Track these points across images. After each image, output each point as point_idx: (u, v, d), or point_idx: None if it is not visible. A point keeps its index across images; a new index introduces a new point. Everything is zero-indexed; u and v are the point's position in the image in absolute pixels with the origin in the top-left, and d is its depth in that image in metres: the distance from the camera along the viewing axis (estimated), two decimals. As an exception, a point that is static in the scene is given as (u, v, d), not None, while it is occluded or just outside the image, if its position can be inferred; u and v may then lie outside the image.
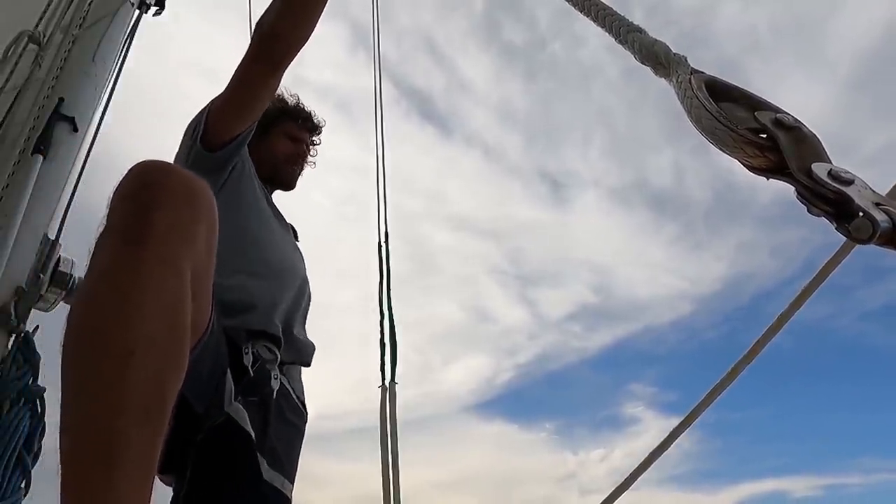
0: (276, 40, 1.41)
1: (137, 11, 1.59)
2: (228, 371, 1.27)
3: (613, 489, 1.49)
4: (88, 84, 1.37)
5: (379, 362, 1.92)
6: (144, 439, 0.70)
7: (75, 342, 0.74)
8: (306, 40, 1.44)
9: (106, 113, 1.41)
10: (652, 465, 1.47)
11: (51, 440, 1.03)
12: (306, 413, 1.56)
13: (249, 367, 1.34)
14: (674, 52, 0.59)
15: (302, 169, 1.87)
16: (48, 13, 1.44)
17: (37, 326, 1.11)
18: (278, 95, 1.80)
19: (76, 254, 1.21)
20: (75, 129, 1.28)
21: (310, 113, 1.88)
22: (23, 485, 1.00)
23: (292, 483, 1.43)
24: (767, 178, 0.48)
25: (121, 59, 1.49)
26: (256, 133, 1.68)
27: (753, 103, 0.50)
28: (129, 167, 0.83)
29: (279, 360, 1.45)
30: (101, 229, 0.81)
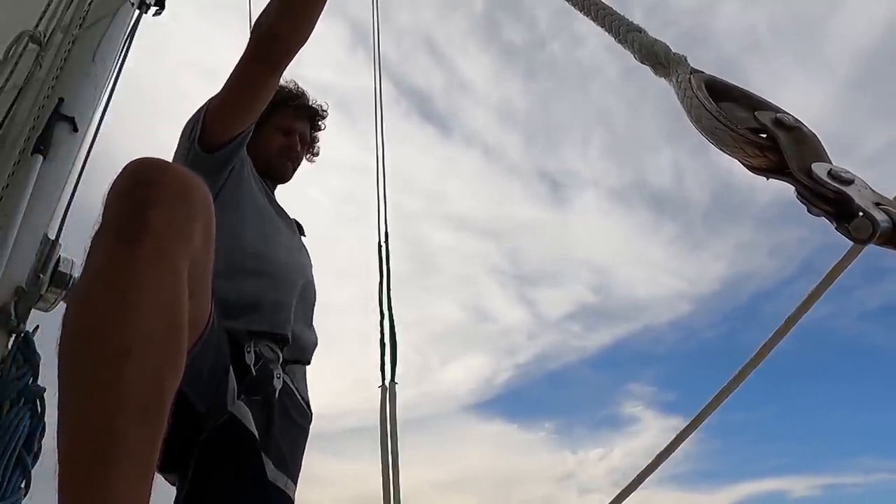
0: (275, 40, 1.39)
1: (137, 11, 1.59)
2: (231, 369, 1.27)
3: (620, 491, 1.48)
4: (88, 84, 1.37)
5: (379, 362, 1.92)
6: (143, 438, 0.70)
7: (72, 342, 0.74)
8: (305, 40, 1.43)
9: (106, 113, 1.42)
10: (657, 468, 1.47)
11: (51, 440, 1.03)
12: (311, 412, 1.55)
13: (252, 367, 1.33)
14: (673, 51, 0.59)
15: (297, 160, 1.83)
16: (48, 13, 1.44)
17: (37, 326, 1.11)
18: None
19: (76, 254, 1.21)
20: (75, 129, 1.28)
21: (302, 99, 1.82)
22: (23, 485, 1.00)
23: (296, 483, 1.43)
24: (767, 178, 0.48)
25: (121, 59, 1.49)
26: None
27: (753, 103, 0.50)
28: (125, 165, 0.83)
29: (282, 359, 1.45)
30: (96, 227, 0.81)
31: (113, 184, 0.81)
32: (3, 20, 1.45)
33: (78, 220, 1.26)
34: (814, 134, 0.47)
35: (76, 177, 1.30)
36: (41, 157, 1.19)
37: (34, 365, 1.06)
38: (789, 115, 0.48)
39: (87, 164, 1.33)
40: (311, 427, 1.55)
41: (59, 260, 1.18)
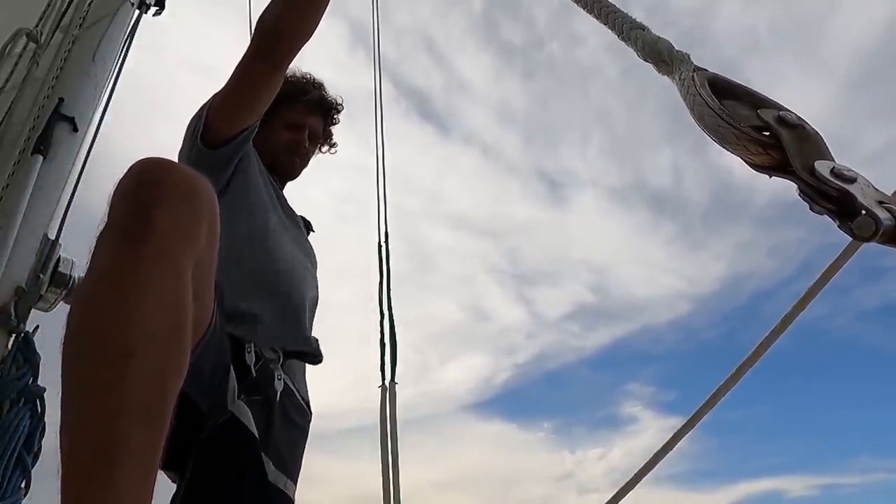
0: (278, 38, 1.39)
1: (137, 11, 1.59)
2: (231, 369, 1.27)
3: (617, 491, 1.49)
4: (88, 84, 1.37)
5: (379, 362, 1.91)
6: (145, 439, 0.70)
7: (75, 341, 0.74)
8: (308, 38, 1.42)
9: (106, 113, 1.42)
10: (654, 467, 1.47)
11: (51, 440, 1.03)
12: (310, 412, 1.55)
13: (252, 367, 1.33)
14: (676, 49, 0.59)
15: (306, 157, 1.79)
16: (48, 13, 1.44)
17: (37, 326, 1.11)
18: None
19: (76, 254, 1.21)
20: (75, 129, 1.28)
21: (314, 93, 1.77)
22: (23, 485, 1.00)
23: (295, 483, 1.43)
24: (770, 176, 0.48)
25: (121, 58, 1.49)
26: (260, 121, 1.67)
27: (756, 101, 0.50)
28: (130, 165, 0.82)
29: (282, 359, 1.44)
30: (101, 228, 0.81)
31: (118, 184, 0.81)
32: (3, 20, 1.44)
33: (78, 220, 1.26)
34: (816, 132, 0.47)
35: (76, 177, 1.30)
36: (41, 157, 1.19)
37: (34, 365, 1.06)
38: (792, 113, 0.48)
39: (87, 164, 1.33)
40: (311, 427, 1.55)
41: (59, 260, 1.17)
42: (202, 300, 0.92)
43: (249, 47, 1.41)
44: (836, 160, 0.47)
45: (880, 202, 0.42)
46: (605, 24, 0.65)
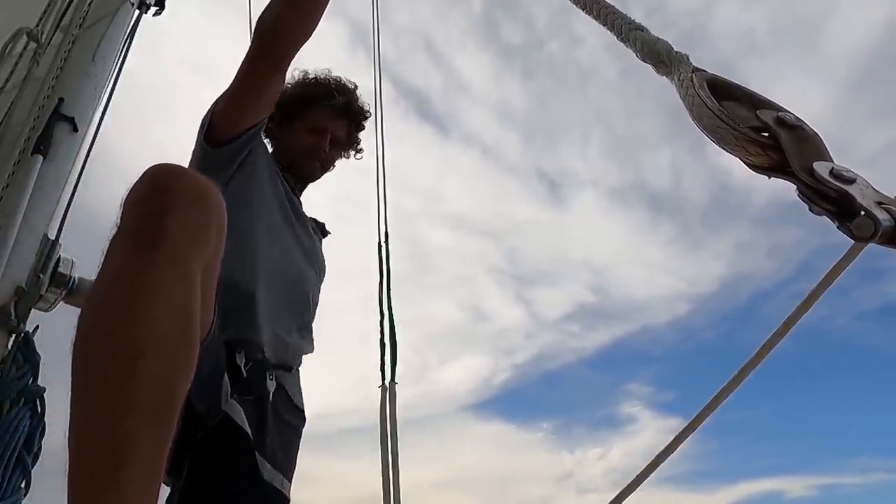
0: (276, 37, 1.40)
1: (137, 11, 1.59)
2: (225, 371, 1.27)
3: (618, 493, 1.48)
4: (88, 84, 1.37)
5: (379, 362, 1.91)
6: (153, 440, 0.70)
7: (86, 343, 0.75)
8: (307, 37, 1.42)
9: (106, 113, 1.42)
10: (656, 469, 1.47)
11: (51, 440, 1.03)
12: (304, 416, 1.54)
13: (242, 367, 1.33)
14: (675, 50, 0.59)
15: (327, 162, 1.77)
16: (48, 13, 1.44)
17: (37, 326, 1.11)
18: (307, 79, 1.74)
19: (76, 254, 1.21)
20: (75, 129, 1.28)
21: (340, 98, 1.74)
22: (23, 485, 1.00)
23: (290, 482, 1.43)
24: (769, 177, 0.48)
25: (121, 59, 1.49)
26: (281, 120, 1.66)
27: (755, 102, 0.51)
28: (142, 170, 0.84)
29: (268, 362, 1.43)
30: (113, 232, 0.82)
31: (131, 189, 0.83)
32: (3, 20, 1.45)
33: (78, 220, 1.26)
34: (815, 133, 0.48)
35: (76, 177, 1.30)
36: (41, 157, 1.19)
37: (34, 365, 1.06)
38: (791, 113, 0.48)
39: (87, 164, 1.33)
40: (308, 428, 1.54)
41: (59, 260, 1.18)
42: (206, 303, 0.92)
43: (250, 47, 1.42)
44: (835, 161, 0.47)
45: (879, 203, 0.42)
46: (604, 25, 0.65)
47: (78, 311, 0.79)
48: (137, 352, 0.71)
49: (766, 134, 0.48)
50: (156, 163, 0.84)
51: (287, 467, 1.43)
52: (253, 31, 1.42)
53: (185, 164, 1.52)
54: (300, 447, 1.53)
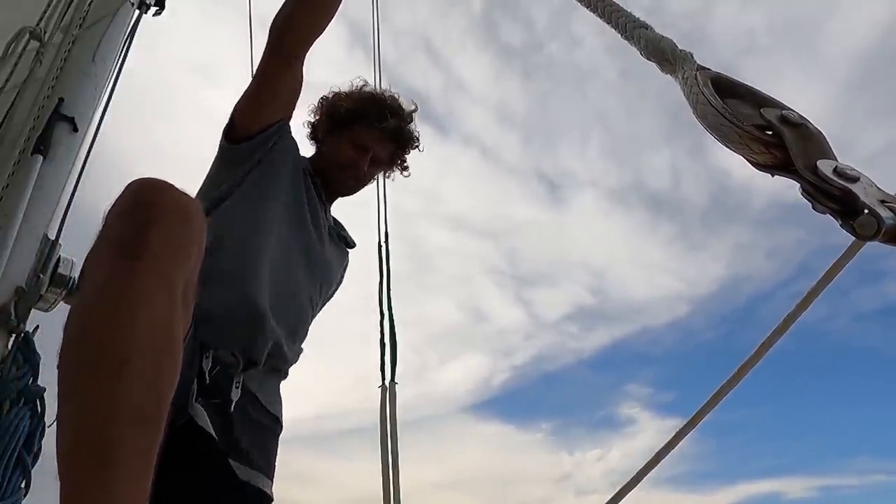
0: (287, 30, 1.43)
1: (137, 11, 1.58)
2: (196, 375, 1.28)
3: (617, 491, 1.49)
4: (88, 84, 1.37)
5: (379, 362, 1.92)
6: (140, 443, 0.72)
7: (73, 349, 0.77)
8: (319, 32, 1.46)
9: (106, 113, 1.42)
10: (654, 468, 1.47)
11: (51, 440, 1.03)
12: (280, 421, 1.51)
13: (207, 373, 1.32)
14: (680, 48, 0.59)
15: (362, 180, 1.74)
16: (48, 13, 1.44)
17: (37, 326, 1.11)
18: (363, 92, 1.72)
19: (76, 254, 1.20)
20: (75, 129, 1.28)
21: (392, 122, 1.69)
22: (23, 485, 1.00)
23: (272, 480, 1.42)
24: (773, 175, 0.48)
25: (121, 59, 1.49)
26: (331, 128, 1.68)
27: (759, 100, 0.51)
28: (126, 184, 0.86)
29: (242, 366, 1.40)
30: (95, 243, 0.85)
31: (115, 203, 0.85)
32: (3, 20, 1.45)
33: (78, 220, 1.26)
34: (819, 131, 0.48)
35: (76, 177, 1.30)
36: (41, 157, 1.19)
37: (34, 365, 1.06)
38: (795, 112, 0.48)
39: (87, 164, 1.33)
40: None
41: (59, 260, 1.17)
42: (185, 316, 0.93)
43: (266, 43, 1.46)
44: (838, 159, 0.47)
45: (883, 201, 0.42)
46: (608, 23, 0.65)
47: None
48: (123, 357, 0.73)
49: (770, 132, 0.48)
50: (140, 177, 0.86)
51: (266, 466, 1.42)
52: (250, 31, 1.44)
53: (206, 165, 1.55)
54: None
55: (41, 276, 1.13)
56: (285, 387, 1.57)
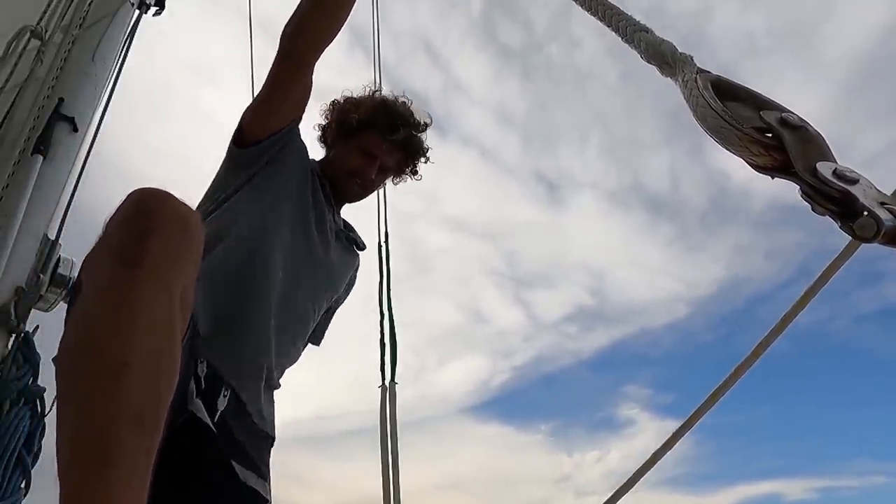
0: (297, 35, 1.43)
1: (137, 11, 1.59)
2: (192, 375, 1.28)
3: (614, 492, 1.49)
4: (88, 84, 1.37)
5: (379, 362, 1.92)
6: (138, 443, 0.73)
7: (72, 353, 0.78)
8: (330, 38, 1.45)
9: (106, 113, 1.42)
10: (651, 468, 1.47)
11: (51, 440, 1.03)
12: (272, 432, 1.49)
13: (202, 378, 1.31)
14: (680, 51, 0.59)
15: (369, 188, 1.73)
16: (48, 13, 1.44)
17: (37, 326, 1.11)
18: (375, 100, 1.72)
19: (76, 254, 1.20)
20: (75, 129, 1.28)
21: (402, 132, 1.68)
22: (23, 485, 1.00)
23: (268, 482, 1.42)
24: (772, 177, 0.48)
25: (121, 59, 1.50)
26: (341, 133, 1.68)
27: (759, 103, 0.51)
28: (127, 191, 0.87)
29: (234, 374, 1.38)
30: (95, 251, 0.86)
31: (115, 211, 0.86)
32: (3, 20, 1.45)
33: (78, 220, 1.26)
34: (819, 133, 0.48)
35: (76, 177, 1.30)
36: (41, 157, 1.19)
37: (34, 365, 1.06)
38: (794, 114, 0.49)
39: (87, 164, 1.33)
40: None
41: (59, 260, 1.17)
42: (182, 319, 0.94)
43: (278, 48, 1.46)
44: (837, 162, 0.47)
45: (882, 203, 0.42)
46: (608, 26, 0.66)
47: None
48: (122, 360, 0.74)
49: (770, 134, 0.48)
50: (141, 186, 0.88)
51: (264, 468, 1.41)
52: (251, 33, 1.44)
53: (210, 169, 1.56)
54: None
55: (41, 276, 1.13)
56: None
